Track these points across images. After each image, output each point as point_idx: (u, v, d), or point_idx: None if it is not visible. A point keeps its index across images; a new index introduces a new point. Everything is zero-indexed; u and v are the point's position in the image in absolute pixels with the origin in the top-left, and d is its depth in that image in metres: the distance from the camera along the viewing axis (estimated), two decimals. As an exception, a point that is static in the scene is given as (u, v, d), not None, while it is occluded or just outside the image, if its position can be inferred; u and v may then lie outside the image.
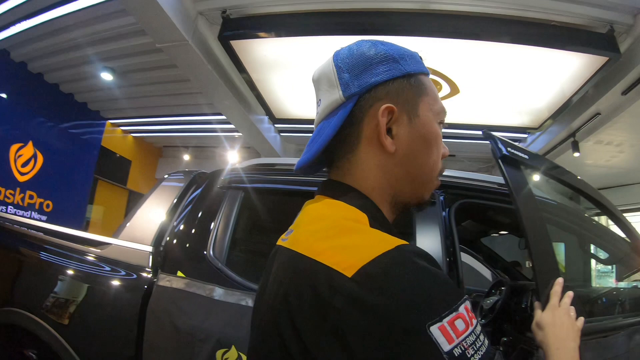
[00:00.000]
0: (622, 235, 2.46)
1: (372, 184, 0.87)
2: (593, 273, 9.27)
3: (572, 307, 1.25)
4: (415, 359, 0.60)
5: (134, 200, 10.37)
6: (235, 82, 6.48)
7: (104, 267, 2.01)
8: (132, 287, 1.96)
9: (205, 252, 2.05)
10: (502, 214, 2.71)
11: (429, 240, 1.98)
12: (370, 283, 0.64)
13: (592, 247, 3.12)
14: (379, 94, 0.85)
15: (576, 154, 7.39)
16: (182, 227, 2.16)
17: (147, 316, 1.86)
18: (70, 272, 2.06)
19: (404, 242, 0.71)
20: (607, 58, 5.21)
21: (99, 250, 2.10)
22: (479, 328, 0.66)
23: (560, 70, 5.64)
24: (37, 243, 2.31)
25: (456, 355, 0.60)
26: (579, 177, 2.25)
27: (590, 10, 4.81)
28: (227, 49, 5.42)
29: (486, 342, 0.66)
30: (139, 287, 1.94)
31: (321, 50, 5.30)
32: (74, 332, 1.89)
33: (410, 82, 0.88)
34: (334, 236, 0.75)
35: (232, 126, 7.95)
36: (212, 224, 2.14)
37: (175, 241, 2.11)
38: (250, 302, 1.82)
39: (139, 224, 2.23)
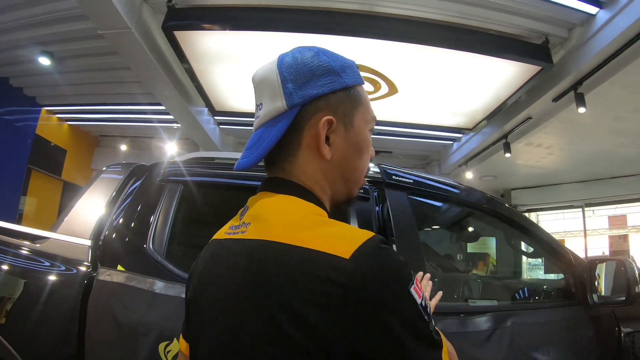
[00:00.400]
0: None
1: (314, 185, 0.97)
2: (524, 265, 9.69)
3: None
4: (408, 308, 0.78)
5: (68, 192, 10.06)
6: (176, 72, 6.39)
7: (43, 262, 1.97)
8: (71, 282, 1.93)
9: (144, 246, 2.05)
10: (433, 210, 2.84)
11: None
12: (366, 261, 0.78)
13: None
14: (319, 106, 0.94)
15: (507, 155, 7.79)
16: (121, 220, 2.14)
17: (88, 311, 1.83)
18: (5, 267, 1.99)
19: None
20: (541, 67, 5.48)
21: (37, 245, 2.06)
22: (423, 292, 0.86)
23: (496, 76, 5.90)
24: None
25: (423, 305, 0.81)
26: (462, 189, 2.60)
27: (528, 22, 5.07)
28: (170, 39, 5.34)
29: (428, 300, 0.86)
30: (78, 282, 1.91)
31: (265, 45, 5.34)
32: (14, 331, 1.84)
33: (348, 94, 0.98)
34: (316, 227, 0.86)
35: (171, 117, 7.83)
36: (152, 217, 2.14)
37: (114, 235, 2.09)
38: (191, 295, 1.84)
39: (78, 217, 2.18)
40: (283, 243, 0.83)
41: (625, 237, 10.58)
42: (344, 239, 0.81)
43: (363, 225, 2.15)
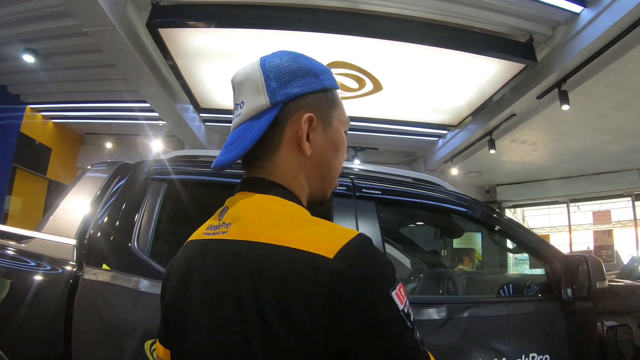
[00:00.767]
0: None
1: (294, 183, 1.00)
2: (511, 260, 9.79)
3: None
4: (387, 313, 0.79)
5: (54, 191, 9.95)
6: (161, 70, 6.36)
7: (29, 262, 1.96)
8: (57, 281, 1.92)
9: (129, 244, 2.05)
10: (415, 207, 2.88)
11: None
12: (350, 261, 0.80)
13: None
14: (300, 104, 0.98)
15: (492, 151, 7.87)
16: (106, 219, 2.14)
17: (74, 311, 1.83)
18: (-8, 268, 1.99)
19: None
20: (525, 65, 5.54)
21: (22, 245, 2.05)
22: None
23: (480, 73, 5.95)
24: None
25: (406, 312, 0.81)
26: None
27: (512, 20, 5.11)
28: (155, 36, 5.32)
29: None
30: (64, 282, 1.91)
31: (250, 42, 5.34)
32: (0, 332, 1.84)
33: (327, 95, 1.03)
34: (300, 226, 0.88)
35: (156, 114, 7.79)
36: (136, 216, 2.14)
37: (99, 234, 2.09)
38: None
39: (63, 216, 2.18)
40: (267, 243, 0.85)
41: (609, 232, 10.71)
42: (328, 238, 0.83)
43: (344, 226, 2.20)
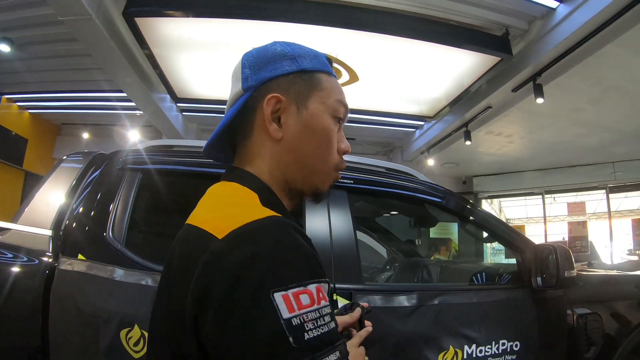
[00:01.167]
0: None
1: (264, 169, 0.96)
2: (488, 250, 9.92)
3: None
4: (254, 318, 0.66)
5: (30, 182, 9.80)
6: (138, 59, 6.30)
7: (5, 254, 1.95)
8: (34, 273, 1.93)
9: (104, 234, 2.06)
10: (389, 197, 2.92)
11: (317, 221, 2.22)
12: (234, 243, 0.72)
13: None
14: (271, 87, 0.95)
15: (468, 142, 7.94)
16: (81, 209, 2.15)
17: (51, 302, 1.84)
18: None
19: (280, 215, 0.80)
20: (500, 58, 5.61)
21: None
22: (327, 310, 0.72)
23: (456, 66, 6.02)
24: None
25: (294, 324, 0.66)
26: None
27: (489, 14, 5.16)
28: (131, 25, 5.28)
29: (332, 325, 0.72)
30: (40, 273, 1.91)
31: (227, 32, 5.34)
32: None
33: (302, 77, 0.97)
34: (219, 208, 0.87)
35: (133, 104, 7.71)
36: (111, 206, 2.15)
37: (74, 224, 2.09)
38: (150, 282, 1.88)
39: (38, 207, 2.18)
40: (192, 225, 0.84)
41: (584, 224, 10.87)
42: (231, 217, 0.78)
43: (315, 214, 2.27)
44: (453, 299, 2.29)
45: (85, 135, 10.32)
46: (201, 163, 2.33)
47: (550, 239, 11.62)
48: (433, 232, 9.66)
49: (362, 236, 4.48)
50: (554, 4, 5.02)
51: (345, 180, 2.42)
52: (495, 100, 6.97)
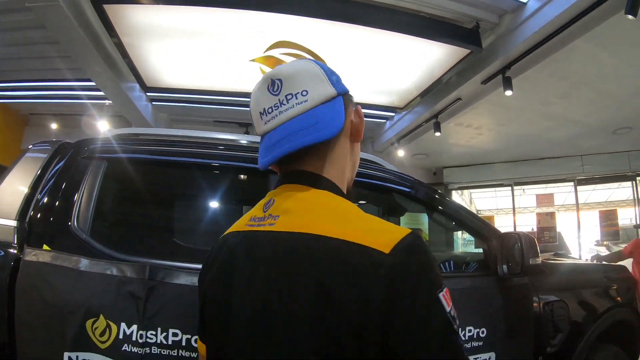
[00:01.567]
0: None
1: (341, 174, 1.09)
2: (459, 240, 10.04)
3: None
4: (436, 314, 0.83)
5: (-2, 174, 9.59)
6: (107, 47, 6.20)
7: None
8: None
9: (69, 224, 2.04)
10: (356, 186, 2.93)
11: None
12: (405, 259, 0.85)
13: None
14: (349, 98, 1.12)
15: (437, 134, 8.02)
16: (46, 199, 2.11)
17: (17, 294, 1.81)
18: None
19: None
20: (470, 50, 5.65)
21: None
22: None
23: (426, 57, 6.06)
24: None
25: (452, 314, 0.85)
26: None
27: (460, 7, 5.20)
28: (100, 12, 5.18)
29: None
30: (6, 264, 1.88)
31: (197, 20, 5.30)
32: None
33: (350, 96, 1.14)
34: (353, 221, 0.94)
35: (102, 93, 7.60)
36: (76, 195, 2.13)
37: (39, 214, 2.07)
38: (115, 271, 1.86)
39: (2, 198, 2.14)
40: (322, 235, 0.90)
41: (552, 215, 11.06)
42: (383, 233, 0.88)
43: None
44: None
45: (54, 126, 10.15)
46: (167, 152, 2.32)
47: (519, 230, 11.81)
48: (403, 223, 9.73)
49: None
50: (525, -1, 5.07)
51: None
52: (465, 92, 7.05)
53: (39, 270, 1.86)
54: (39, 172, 2.22)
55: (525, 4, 5.15)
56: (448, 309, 0.84)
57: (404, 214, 3.90)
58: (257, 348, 0.90)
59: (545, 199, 11.87)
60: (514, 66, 5.89)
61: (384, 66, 6.44)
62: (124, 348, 1.75)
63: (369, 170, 2.62)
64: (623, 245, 6.05)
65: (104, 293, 1.81)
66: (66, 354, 1.74)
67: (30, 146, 2.44)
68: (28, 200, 2.12)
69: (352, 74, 6.74)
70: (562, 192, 13.80)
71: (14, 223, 2.03)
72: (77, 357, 1.75)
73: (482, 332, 2.33)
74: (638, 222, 10.41)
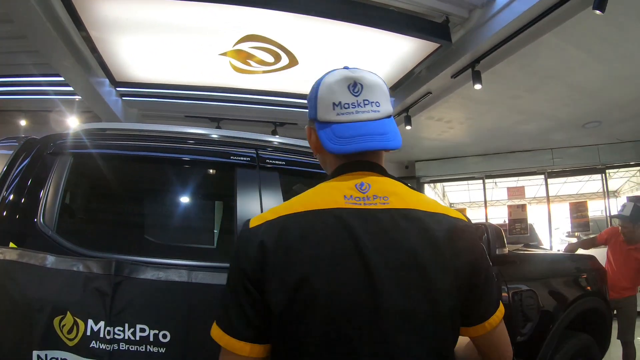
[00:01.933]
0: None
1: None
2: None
3: None
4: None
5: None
6: (75, 41, 6.07)
7: None
8: None
9: (35, 220, 2.02)
10: (321, 178, 2.95)
11: (249, 202, 2.28)
12: (475, 229, 1.25)
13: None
14: None
15: (408, 127, 8.03)
16: (12, 196, 2.08)
17: None
18: None
19: None
20: (439, 45, 5.70)
21: None
22: None
23: (395, 51, 6.10)
24: None
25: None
26: None
27: (430, 1, 5.26)
28: (67, 5, 5.07)
29: None
30: None
31: (167, 14, 5.24)
32: None
33: None
34: (434, 203, 1.22)
35: (72, 89, 7.46)
36: (42, 192, 2.11)
37: (5, 212, 2.04)
38: (81, 268, 1.85)
39: (-32, 196, 2.12)
40: (432, 212, 1.17)
41: (523, 207, 11.22)
42: (455, 211, 1.23)
43: (247, 194, 2.35)
44: None
45: (23, 123, 9.92)
46: (134, 146, 2.31)
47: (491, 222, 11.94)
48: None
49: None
50: (495, -7, 5.11)
51: (277, 162, 2.45)
52: (435, 86, 7.09)
53: (6, 268, 1.83)
54: (4, 169, 2.19)
55: (495, -2, 5.19)
56: None
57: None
58: (410, 293, 1.07)
59: (516, 192, 12.04)
60: (484, 60, 5.94)
61: (354, 60, 6.35)
62: (92, 345, 1.74)
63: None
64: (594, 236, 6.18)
65: (71, 290, 1.79)
66: (35, 352, 1.72)
67: (-4, 143, 2.41)
68: (-7, 197, 2.09)
69: (323, 68, 6.70)
70: (534, 185, 14.01)
71: (-21, 221, 2.01)
72: (45, 355, 1.73)
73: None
74: (609, 214, 10.62)
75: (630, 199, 9.57)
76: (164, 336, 1.80)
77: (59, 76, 7.00)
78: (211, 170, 2.85)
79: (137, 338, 1.78)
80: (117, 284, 1.82)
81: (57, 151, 2.24)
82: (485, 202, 12.24)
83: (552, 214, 11.30)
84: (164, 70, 6.82)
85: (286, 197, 2.39)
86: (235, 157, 2.43)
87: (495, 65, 6.07)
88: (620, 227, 5.14)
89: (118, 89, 7.86)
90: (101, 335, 1.75)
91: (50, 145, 2.26)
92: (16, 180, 2.14)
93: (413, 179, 12.00)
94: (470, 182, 13.44)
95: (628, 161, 10.65)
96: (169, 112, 8.66)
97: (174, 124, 7.84)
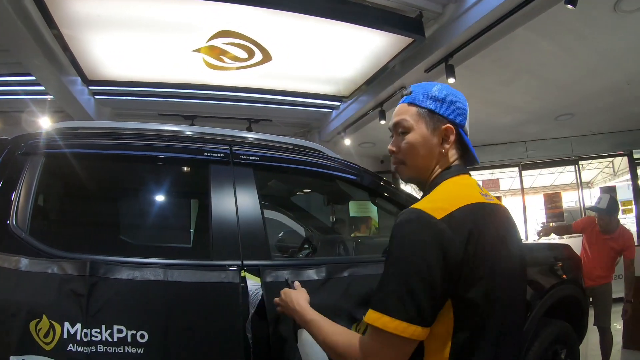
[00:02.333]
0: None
1: None
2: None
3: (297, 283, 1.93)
4: None
5: None
6: (46, 39, 5.95)
7: None
8: None
9: (8, 223, 1.98)
10: (298, 174, 2.96)
11: (223, 199, 2.29)
12: None
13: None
14: None
15: (383, 122, 8.03)
16: (-16, 199, 2.06)
17: None
18: None
19: None
20: (413, 39, 5.72)
21: None
22: None
23: (369, 46, 6.10)
24: None
25: None
26: None
27: (404, -4, 5.19)
28: (38, 2, 4.96)
29: None
30: None
31: (140, 11, 5.18)
32: None
33: None
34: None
35: (44, 88, 7.32)
36: (14, 193, 2.07)
37: (-23, 216, 2.00)
38: (56, 270, 1.82)
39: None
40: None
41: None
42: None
43: (222, 192, 2.34)
44: (363, 270, 2.35)
45: (-5, 124, 9.73)
46: (106, 145, 2.29)
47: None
48: (352, 211, 9.83)
49: (279, 216, 4.54)
50: (468, -12, 5.15)
51: (251, 157, 2.45)
52: (409, 81, 7.03)
53: (-21, 273, 1.80)
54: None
55: (468, -7, 5.22)
56: None
57: (348, 201, 3.95)
58: (514, 286, 1.39)
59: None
60: (457, 54, 5.97)
61: (328, 55, 6.43)
62: (69, 348, 1.72)
63: (312, 159, 2.65)
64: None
65: (46, 292, 1.77)
66: (12, 358, 1.69)
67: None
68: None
69: (297, 63, 6.74)
70: (508, 177, 14.16)
71: (-49, 225, 1.97)
72: (22, 360, 1.70)
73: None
74: (583, 204, 10.81)
75: (604, 190, 9.71)
76: (142, 336, 1.79)
77: (30, 75, 6.85)
78: (185, 168, 2.84)
79: (115, 339, 1.77)
80: (93, 285, 1.80)
81: (29, 151, 2.20)
82: (462, 195, 12.32)
83: (526, 205, 11.42)
84: (137, 67, 6.73)
85: (261, 193, 2.41)
86: (208, 154, 2.42)
87: (469, 59, 6.12)
88: (597, 219, 5.24)
89: (90, 87, 7.72)
90: (78, 337, 1.73)
91: (21, 146, 2.22)
92: (-13, 182, 2.11)
93: (389, 174, 12.02)
94: (445, 175, 13.54)
95: (600, 152, 10.87)
96: (143, 111, 8.55)
97: (148, 122, 7.75)
